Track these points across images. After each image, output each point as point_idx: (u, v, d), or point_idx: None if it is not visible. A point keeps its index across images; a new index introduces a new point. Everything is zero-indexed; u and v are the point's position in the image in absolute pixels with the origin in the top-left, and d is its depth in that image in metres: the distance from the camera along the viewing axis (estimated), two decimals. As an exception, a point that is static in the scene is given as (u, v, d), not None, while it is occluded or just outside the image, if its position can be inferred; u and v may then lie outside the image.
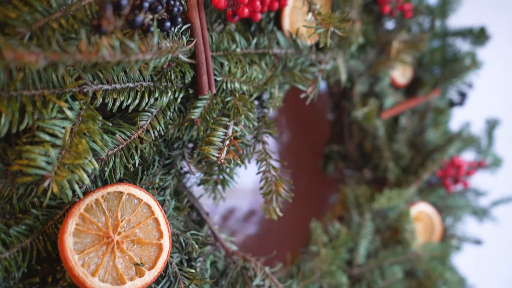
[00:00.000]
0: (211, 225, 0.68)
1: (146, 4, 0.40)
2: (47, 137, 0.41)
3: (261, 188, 0.63)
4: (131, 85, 0.50)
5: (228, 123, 0.57)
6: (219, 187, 0.67)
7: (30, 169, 0.39)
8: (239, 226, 1.07)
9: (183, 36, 0.51)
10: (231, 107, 0.59)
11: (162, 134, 0.55)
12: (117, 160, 0.49)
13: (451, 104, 1.06)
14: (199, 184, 0.66)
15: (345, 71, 0.80)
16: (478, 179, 1.17)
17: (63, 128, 0.43)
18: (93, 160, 0.44)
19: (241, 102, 0.59)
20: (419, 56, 1.02)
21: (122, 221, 0.47)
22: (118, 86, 0.48)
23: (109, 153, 0.49)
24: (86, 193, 0.47)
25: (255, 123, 0.64)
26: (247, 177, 0.70)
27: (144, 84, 0.51)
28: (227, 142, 0.54)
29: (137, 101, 0.50)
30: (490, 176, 1.14)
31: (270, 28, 0.69)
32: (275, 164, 0.63)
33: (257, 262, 0.66)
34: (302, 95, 0.68)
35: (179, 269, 0.54)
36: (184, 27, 0.51)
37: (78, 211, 0.45)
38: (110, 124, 0.48)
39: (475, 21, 1.04)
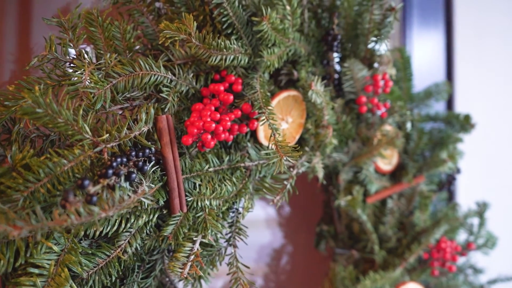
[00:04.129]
0: (190, 315, 0.77)
1: (110, 172, 0.52)
2: (36, 271, 0.54)
3: (231, 287, 0.73)
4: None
5: (195, 238, 0.68)
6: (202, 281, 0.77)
7: (21, 298, 0.52)
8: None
9: (154, 173, 0.63)
10: (200, 222, 0.69)
11: (139, 248, 0.66)
12: (97, 277, 0.61)
13: (440, 186, 1.11)
14: (179, 280, 0.76)
15: (322, 169, 0.89)
16: (477, 256, 1.19)
17: (50, 260, 0.55)
18: (73, 285, 0.56)
19: (211, 217, 0.70)
20: (404, 144, 1.09)
21: (97, 330, 0.58)
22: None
23: (90, 272, 0.60)
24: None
25: (227, 229, 0.75)
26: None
27: (122, 212, 0.63)
28: (192, 257, 0.65)
29: (115, 227, 0.62)
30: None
31: (247, 140, 0.80)
32: (242, 267, 0.73)
33: None
34: (270, 203, 0.77)
35: None
36: (150, 167, 0.62)
37: (60, 325, 0.56)
38: (90, 252, 0.60)
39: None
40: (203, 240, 0.68)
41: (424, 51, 1.43)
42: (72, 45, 0.63)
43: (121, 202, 0.52)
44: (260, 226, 1.24)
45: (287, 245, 1.23)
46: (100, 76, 0.63)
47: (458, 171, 1.10)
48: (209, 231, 0.68)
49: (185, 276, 0.63)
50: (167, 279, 0.77)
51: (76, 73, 0.61)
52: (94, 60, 0.65)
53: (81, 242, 0.62)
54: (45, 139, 0.61)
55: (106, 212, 0.51)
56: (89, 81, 0.61)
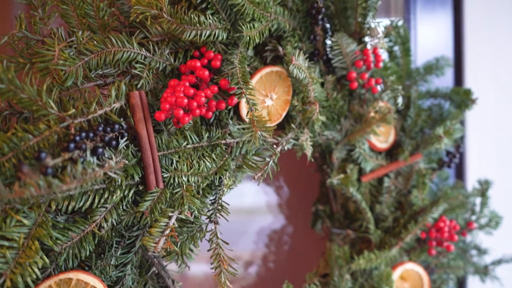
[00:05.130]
0: (174, 291, 0.78)
1: (72, 145, 0.52)
2: (6, 243, 0.55)
3: (212, 263, 0.73)
4: (84, 190, 0.62)
5: (171, 214, 0.68)
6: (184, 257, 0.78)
7: (-9, 269, 0.53)
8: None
9: (127, 149, 0.64)
10: (177, 198, 0.69)
11: (115, 224, 0.67)
12: (71, 251, 0.62)
13: (440, 164, 1.08)
14: (163, 257, 0.77)
15: (310, 147, 0.87)
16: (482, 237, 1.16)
17: (20, 233, 0.56)
18: (44, 257, 0.57)
19: (188, 193, 0.70)
20: (403, 120, 1.06)
21: (71, 302, 0.60)
22: (72, 192, 0.61)
23: (64, 246, 0.62)
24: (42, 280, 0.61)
25: (208, 207, 0.75)
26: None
27: (96, 187, 0.64)
28: (167, 232, 0.65)
29: (88, 203, 0.63)
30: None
31: (230, 117, 0.79)
32: (222, 243, 0.73)
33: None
34: (251, 180, 0.77)
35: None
36: (122, 143, 0.63)
37: (33, 296, 0.58)
38: (62, 226, 0.61)
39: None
40: (181, 216, 0.69)
41: (431, 27, 1.37)
42: (43, 24, 0.63)
43: (84, 175, 0.53)
44: (260, 209, 1.24)
45: (285, 226, 1.23)
46: (71, 53, 0.64)
47: (458, 148, 1.06)
48: (186, 206, 0.68)
49: (158, 250, 0.63)
50: (150, 254, 0.78)
51: (47, 51, 0.61)
52: (66, 38, 0.65)
53: (57, 218, 0.63)
54: (19, 116, 0.62)
55: (67, 185, 0.51)
56: (60, 58, 0.61)
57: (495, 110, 1.31)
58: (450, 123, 0.97)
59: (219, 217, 0.76)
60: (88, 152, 0.55)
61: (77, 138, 0.54)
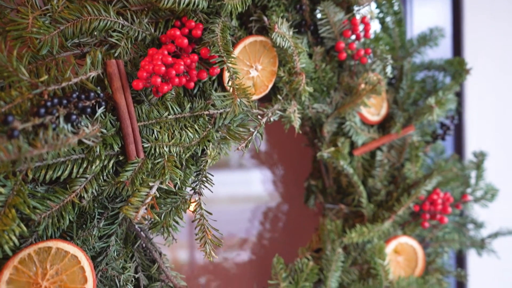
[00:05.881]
0: (161, 263, 0.78)
1: (43, 110, 0.52)
2: (-18, 210, 0.55)
3: (196, 234, 0.73)
4: (62, 159, 0.62)
5: (152, 184, 0.67)
6: (170, 229, 0.77)
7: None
8: (227, 253, 1.16)
9: (105, 118, 0.63)
10: (159, 168, 0.69)
11: (97, 195, 0.67)
12: (50, 220, 0.62)
13: (434, 137, 1.06)
14: (149, 229, 0.77)
15: (298, 119, 0.86)
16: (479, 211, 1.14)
17: (-3, 201, 0.56)
18: (21, 225, 0.57)
19: (170, 163, 0.69)
20: (395, 93, 1.04)
21: (50, 270, 0.60)
22: (49, 162, 0.61)
23: (42, 216, 0.61)
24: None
25: (192, 177, 0.74)
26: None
27: (75, 157, 0.63)
28: (147, 200, 0.65)
29: (67, 172, 0.62)
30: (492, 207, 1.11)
31: (214, 88, 0.78)
32: (206, 214, 0.73)
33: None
34: (235, 150, 0.76)
35: (111, 307, 0.66)
36: (99, 111, 0.62)
37: (12, 264, 0.58)
38: (39, 194, 0.61)
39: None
40: (162, 186, 0.68)
41: (428, 7, 1.34)
42: (17, -8, 0.63)
43: (56, 140, 0.52)
44: (253, 184, 1.23)
45: (280, 204, 1.22)
46: (46, 22, 0.63)
47: (453, 120, 1.04)
48: (167, 176, 0.68)
49: (138, 219, 0.63)
50: (136, 227, 0.78)
51: (21, 19, 0.61)
52: (41, 6, 0.65)
53: (36, 188, 0.63)
54: (-5, 86, 0.62)
55: (38, 149, 0.51)
56: (33, 27, 0.61)
57: (495, 82, 1.28)
58: (443, 93, 0.95)
59: (203, 189, 0.76)
60: (61, 119, 0.55)
61: (48, 103, 0.53)
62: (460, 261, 1.26)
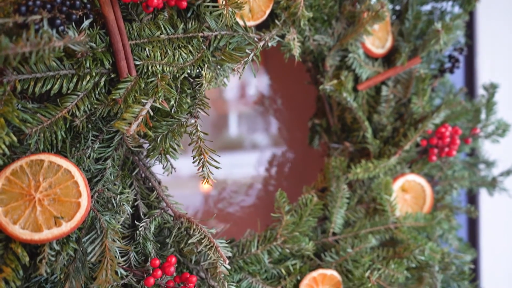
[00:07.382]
0: (160, 191, 0.78)
1: (23, 8, 0.50)
2: (-31, 119, 0.54)
3: (193, 157, 0.72)
4: (51, 73, 0.61)
5: (146, 101, 0.66)
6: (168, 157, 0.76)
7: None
8: (233, 196, 1.15)
9: (92, 29, 0.61)
10: (152, 87, 0.67)
11: (88, 113, 0.66)
12: (42, 134, 0.61)
13: (442, 70, 1.02)
14: (146, 156, 0.76)
15: (298, 47, 0.83)
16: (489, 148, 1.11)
17: (-15, 110, 0.55)
18: (11, 134, 0.56)
19: (164, 82, 0.68)
20: (401, 25, 1.00)
21: (43, 182, 0.59)
22: (38, 75, 0.60)
23: (34, 129, 0.61)
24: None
25: (188, 100, 0.73)
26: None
27: (64, 72, 0.62)
28: (142, 114, 0.63)
29: (57, 86, 0.61)
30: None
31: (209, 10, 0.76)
32: (203, 135, 0.71)
33: (197, 223, 0.74)
34: (231, 72, 0.74)
35: (107, 224, 0.65)
36: (87, 21, 0.60)
37: (4, 175, 0.58)
38: (29, 106, 0.60)
39: None
40: (156, 105, 0.67)
41: None
42: None
43: (38, 39, 0.51)
44: (258, 129, 1.22)
45: (284, 147, 1.21)
46: None
47: (462, 51, 1.00)
48: (160, 94, 0.66)
49: (131, 133, 0.62)
50: (133, 151, 0.77)
51: None
52: None
53: (28, 104, 0.62)
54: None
55: (20, 47, 0.50)
56: None
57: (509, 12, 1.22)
58: (450, 19, 0.91)
59: (199, 112, 0.74)
60: (45, 22, 0.53)
61: (30, 3, 0.51)
62: (472, 200, 1.23)
